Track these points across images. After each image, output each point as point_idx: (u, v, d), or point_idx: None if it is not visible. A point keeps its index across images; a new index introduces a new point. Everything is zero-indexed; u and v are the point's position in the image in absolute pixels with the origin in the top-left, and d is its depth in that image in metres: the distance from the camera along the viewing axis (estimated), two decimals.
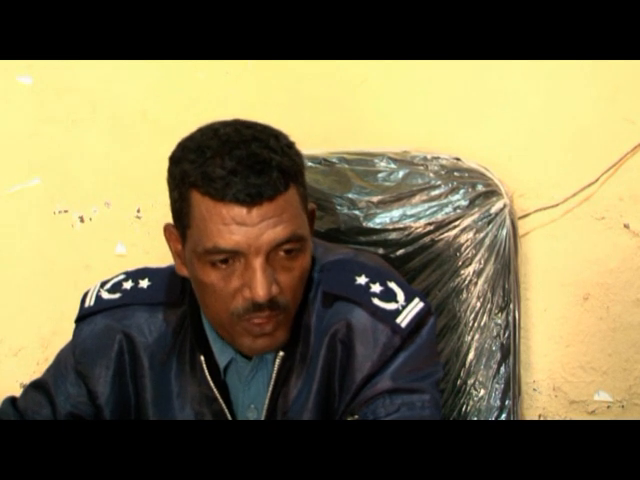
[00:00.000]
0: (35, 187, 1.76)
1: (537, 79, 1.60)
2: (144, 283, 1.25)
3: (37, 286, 1.78)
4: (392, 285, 1.19)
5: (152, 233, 1.75)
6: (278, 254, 1.09)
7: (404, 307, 1.17)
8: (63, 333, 1.64)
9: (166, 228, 1.17)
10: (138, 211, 1.76)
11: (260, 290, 1.07)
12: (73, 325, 1.28)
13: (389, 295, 1.17)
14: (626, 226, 1.60)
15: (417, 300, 1.18)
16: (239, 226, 1.06)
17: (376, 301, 1.17)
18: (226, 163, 1.06)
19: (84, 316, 1.26)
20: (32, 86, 1.74)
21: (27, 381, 1.75)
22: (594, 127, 1.59)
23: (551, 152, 1.61)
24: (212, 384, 1.19)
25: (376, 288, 1.18)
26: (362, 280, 1.18)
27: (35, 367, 1.77)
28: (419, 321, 1.17)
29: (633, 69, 1.55)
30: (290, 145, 1.13)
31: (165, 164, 1.14)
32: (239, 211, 1.06)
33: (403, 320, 1.16)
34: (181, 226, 1.13)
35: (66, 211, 1.77)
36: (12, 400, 1.28)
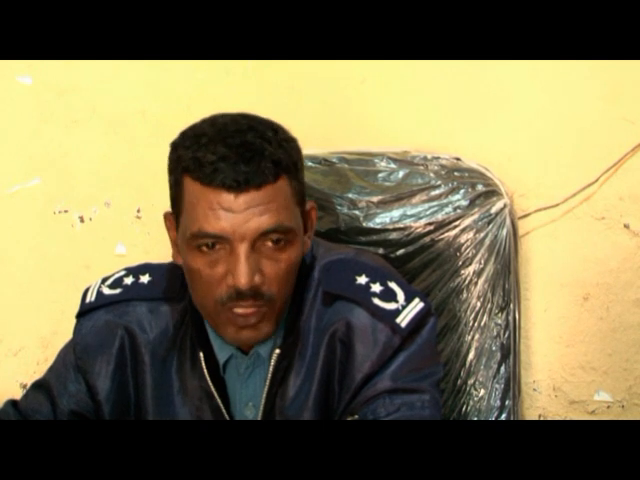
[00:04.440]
0: (35, 187, 1.76)
1: (537, 79, 1.60)
2: (145, 278, 1.26)
3: (37, 286, 1.78)
4: (392, 285, 1.19)
5: (152, 233, 1.75)
6: (265, 244, 1.09)
7: (404, 307, 1.17)
8: (63, 333, 1.63)
9: (165, 216, 1.18)
10: (138, 211, 1.76)
11: (242, 277, 1.07)
12: (73, 325, 1.29)
13: (389, 295, 1.18)
14: (626, 226, 1.60)
15: (417, 300, 1.18)
16: (225, 212, 1.07)
17: (376, 301, 1.17)
18: (218, 149, 1.07)
19: (85, 312, 1.27)
20: (32, 86, 1.74)
21: (27, 381, 1.75)
22: (594, 127, 1.59)
23: (551, 152, 1.61)
24: (209, 380, 1.19)
25: (376, 288, 1.18)
26: (362, 280, 1.19)
27: (35, 367, 1.77)
28: (419, 321, 1.17)
29: (633, 69, 1.55)
30: (289, 140, 1.13)
31: (165, 164, 1.15)
32: (226, 197, 1.07)
33: (403, 320, 1.16)
34: (176, 212, 1.14)
35: (66, 211, 1.77)
36: (13, 402, 1.28)
